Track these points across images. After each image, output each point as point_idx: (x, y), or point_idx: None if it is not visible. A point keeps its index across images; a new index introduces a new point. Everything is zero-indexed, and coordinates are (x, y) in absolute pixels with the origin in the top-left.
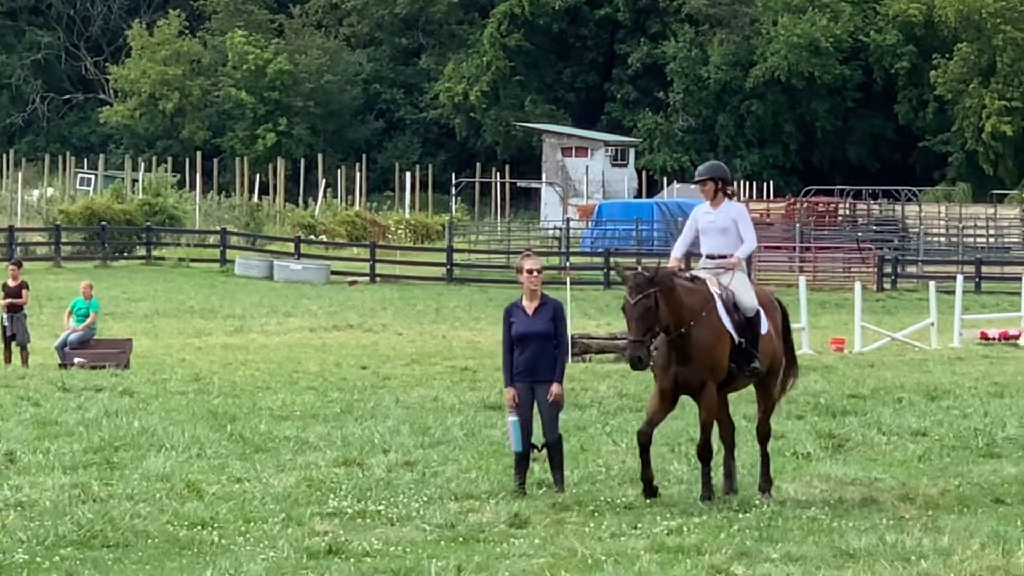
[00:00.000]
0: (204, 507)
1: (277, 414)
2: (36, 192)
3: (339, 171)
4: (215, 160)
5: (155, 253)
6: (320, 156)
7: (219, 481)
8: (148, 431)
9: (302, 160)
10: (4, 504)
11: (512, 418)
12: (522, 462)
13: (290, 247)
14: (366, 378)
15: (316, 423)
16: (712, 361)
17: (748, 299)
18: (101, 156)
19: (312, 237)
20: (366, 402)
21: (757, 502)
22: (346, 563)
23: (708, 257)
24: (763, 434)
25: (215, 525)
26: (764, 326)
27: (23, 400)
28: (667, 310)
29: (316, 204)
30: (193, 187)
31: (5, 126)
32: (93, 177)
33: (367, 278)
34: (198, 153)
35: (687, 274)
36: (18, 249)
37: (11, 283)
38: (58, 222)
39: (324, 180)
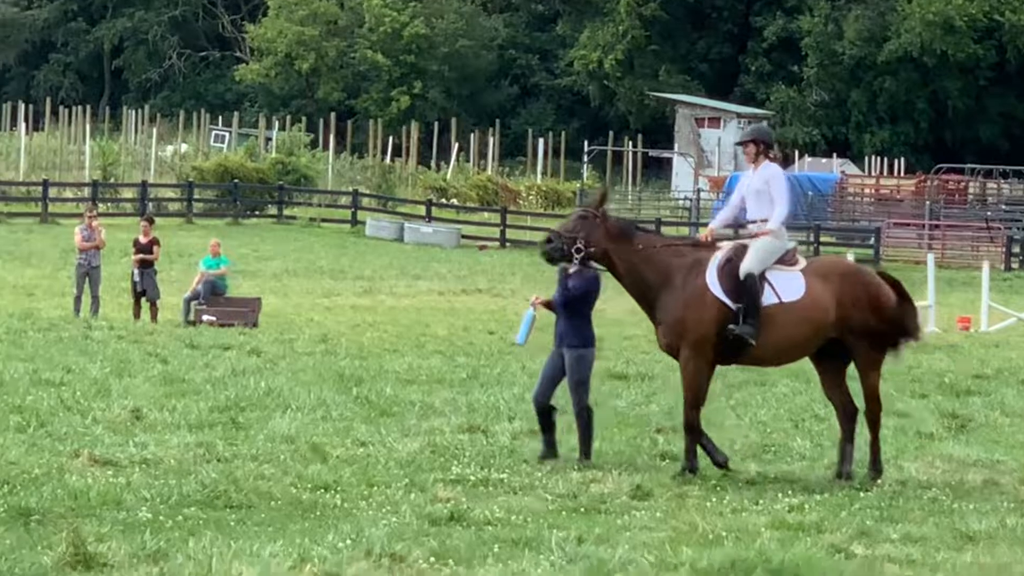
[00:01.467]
0: (328, 470)
1: (403, 378)
2: (170, 148)
3: (472, 135)
4: (349, 121)
5: (287, 212)
6: (454, 120)
7: (344, 444)
8: (274, 392)
9: (435, 123)
10: (129, 461)
11: (529, 311)
12: (545, 424)
13: (421, 210)
14: (493, 343)
15: (442, 388)
16: (684, 327)
17: (747, 263)
18: (235, 114)
19: (443, 201)
20: (492, 368)
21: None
22: (467, 531)
23: (750, 223)
24: (870, 419)
25: (338, 489)
26: (779, 294)
27: (151, 356)
28: (603, 246)
29: (448, 168)
30: (326, 147)
31: (141, 82)
32: (227, 135)
33: (497, 243)
34: (332, 114)
35: (692, 239)
36: (151, 205)
37: (142, 239)
38: (191, 179)
39: (457, 144)
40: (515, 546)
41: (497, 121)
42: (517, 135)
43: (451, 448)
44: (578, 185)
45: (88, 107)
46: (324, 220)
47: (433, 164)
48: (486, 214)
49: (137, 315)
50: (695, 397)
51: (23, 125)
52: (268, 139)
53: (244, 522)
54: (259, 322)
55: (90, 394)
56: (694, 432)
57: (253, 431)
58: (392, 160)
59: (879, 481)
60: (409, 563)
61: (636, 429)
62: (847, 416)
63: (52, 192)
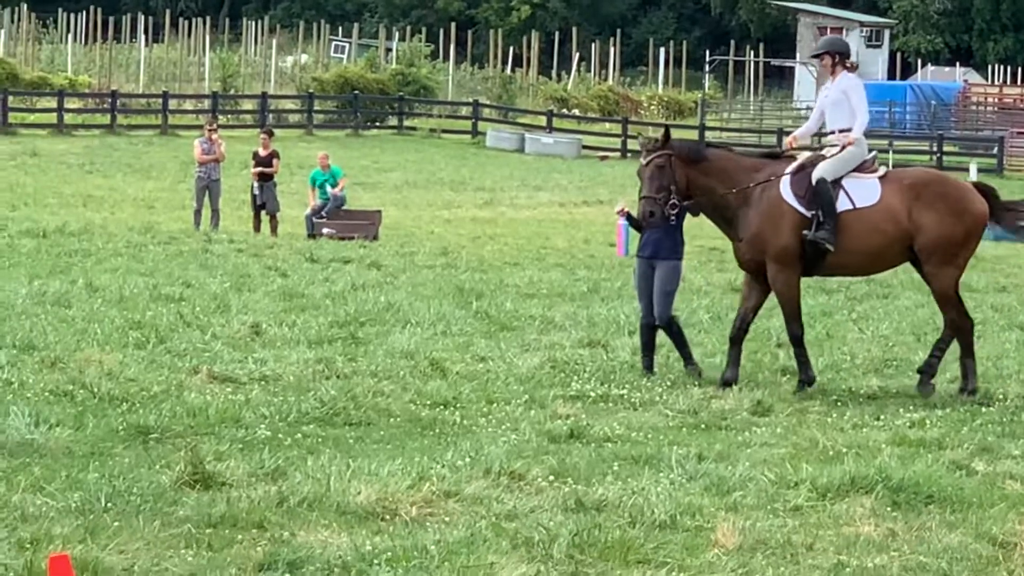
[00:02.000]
0: (447, 386)
1: (523, 292)
2: (290, 59)
3: (593, 45)
4: (469, 31)
5: (407, 123)
6: (574, 29)
7: (463, 360)
8: (394, 306)
9: (556, 33)
10: (249, 378)
11: (622, 221)
12: (648, 342)
13: (542, 120)
14: (613, 256)
15: (562, 302)
16: (764, 240)
17: (820, 169)
18: (355, 24)
19: (564, 111)
20: (613, 281)
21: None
22: (587, 448)
23: (829, 133)
24: (955, 333)
25: (458, 405)
26: (853, 200)
27: (271, 270)
28: (687, 175)
29: (569, 78)
30: (447, 58)
31: None
32: (347, 45)
33: (618, 153)
34: (452, 24)
35: (766, 150)
36: (271, 116)
37: (262, 152)
38: (311, 90)
39: (578, 54)
40: (635, 463)
41: (618, 30)
42: (638, 44)
43: (571, 363)
44: (699, 95)
45: (207, 18)
46: (444, 131)
47: (554, 74)
48: (607, 124)
49: (257, 228)
50: (793, 309)
51: (143, 37)
52: (388, 50)
53: (363, 440)
54: (379, 235)
55: (209, 309)
56: (801, 344)
57: (372, 347)
58: (512, 70)
59: (965, 398)
60: (528, 481)
61: (757, 344)
62: (961, 330)
63: (172, 104)
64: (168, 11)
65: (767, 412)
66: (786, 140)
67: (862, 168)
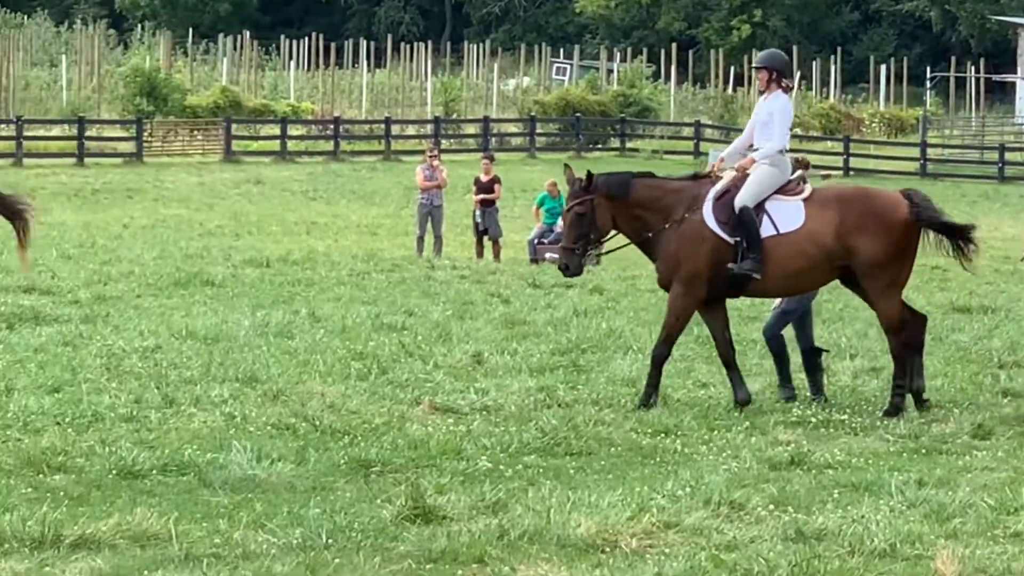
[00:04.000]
0: (668, 414)
1: (746, 315)
2: (512, 82)
3: (814, 63)
4: (690, 51)
5: (629, 145)
6: (795, 48)
7: (684, 386)
8: (615, 332)
9: None
10: (470, 408)
11: None
12: (809, 366)
13: None
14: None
15: None
16: (676, 262)
17: (741, 196)
18: (576, 46)
19: None
20: (835, 304)
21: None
22: (807, 475)
23: (754, 152)
24: (893, 351)
25: (678, 433)
26: (776, 225)
27: (493, 297)
28: (609, 217)
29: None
30: (668, 78)
31: (482, 16)
32: (568, 67)
33: (841, 171)
34: (673, 44)
35: (691, 172)
36: (493, 140)
37: (483, 177)
38: (533, 113)
39: (799, 72)
40: (855, 490)
41: (838, 48)
42: (859, 62)
43: (796, 389)
44: (921, 111)
45: (429, 42)
46: (667, 152)
47: None
48: (829, 143)
49: (480, 254)
50: (674, 334)
51: (364, 62)
52: (609, 71)
53: (583, 470)
54: (601, 259)
55: (431, 338)
56: (660, 365)
57: (594, 374)
58: (734, 90)
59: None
60: (748, 510)
61: (978, 365)
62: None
63: (394, 129)
64: (390, 36)
65: (988, 435)
66: (715, 167)
67: (786, 190)
